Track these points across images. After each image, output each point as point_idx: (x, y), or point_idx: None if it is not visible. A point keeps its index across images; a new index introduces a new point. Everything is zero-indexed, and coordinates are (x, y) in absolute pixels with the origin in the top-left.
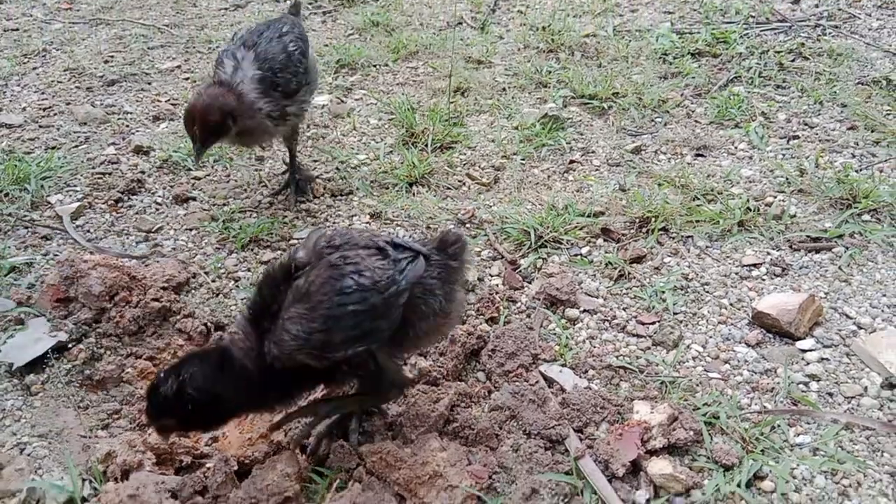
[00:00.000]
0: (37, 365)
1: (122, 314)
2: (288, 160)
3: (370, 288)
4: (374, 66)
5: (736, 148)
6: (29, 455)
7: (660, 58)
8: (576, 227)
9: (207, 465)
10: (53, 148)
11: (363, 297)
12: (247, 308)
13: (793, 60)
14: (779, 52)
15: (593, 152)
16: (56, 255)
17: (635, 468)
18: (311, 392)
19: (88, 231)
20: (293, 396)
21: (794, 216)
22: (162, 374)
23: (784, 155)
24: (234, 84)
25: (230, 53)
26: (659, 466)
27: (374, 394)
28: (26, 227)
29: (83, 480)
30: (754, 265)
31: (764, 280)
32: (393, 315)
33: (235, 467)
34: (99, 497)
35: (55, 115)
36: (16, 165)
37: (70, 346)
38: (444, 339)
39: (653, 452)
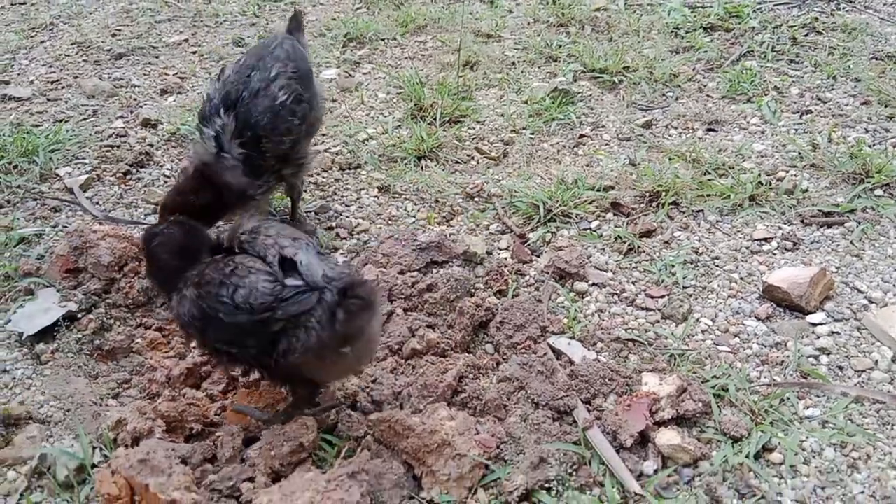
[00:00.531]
0: (47, 334)
1: (132, 285)
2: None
3: (240, 306)
4: (383, 39)
5: (748, 122)
6: (40, 423)
7: (671, 32)
8: (585, 201)
9: (217, 434)
10: (62, 121)
11: (231, 312)
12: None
13: (806, 35)
14: (792, 27)
15: (603, 127)
16: (65, 226)
17: (643, 439)
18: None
19: (97, 203)
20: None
21: (807, 191)
22: None
23: (797, 130)
24: (219, 169)
25: (213, 110)
26: (667, 437)
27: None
28: (35, 199)
29: (94, 448)
30: (765, 239)
31: (775, 254)
32: (262, 337)
33: (242, 437)
34: (109, 462)
35: (63, 88)
36: (24, 138)
37: (80, 316)
38: (340, 376)
39: (661, 423)
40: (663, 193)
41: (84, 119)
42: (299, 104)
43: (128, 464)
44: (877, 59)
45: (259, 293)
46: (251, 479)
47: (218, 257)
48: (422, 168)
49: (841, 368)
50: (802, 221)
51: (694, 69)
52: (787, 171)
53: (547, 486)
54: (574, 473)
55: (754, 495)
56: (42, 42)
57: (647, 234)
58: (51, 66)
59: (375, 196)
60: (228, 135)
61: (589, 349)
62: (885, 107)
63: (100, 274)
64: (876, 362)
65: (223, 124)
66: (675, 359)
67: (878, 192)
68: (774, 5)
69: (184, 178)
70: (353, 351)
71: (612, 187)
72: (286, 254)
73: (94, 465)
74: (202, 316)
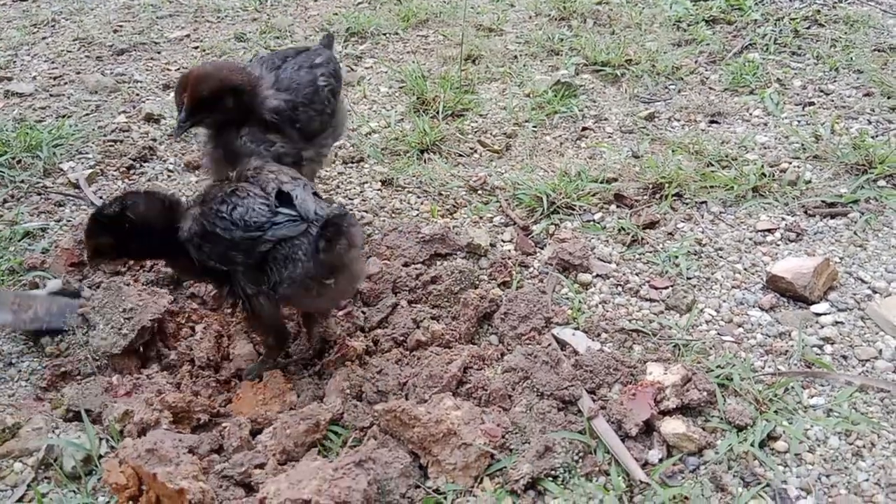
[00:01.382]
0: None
1: (136, 278)
2: None
3: (235, 221)
4: (384, 34)
5: (751, 115)
6: (46, 414)
7: (674, 25)
8: (588, 193)
9: (224, 425)
10: (64, 116)
11: (226, 227)
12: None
13: (808, 27)
14: (794, 19)
15: (606, 119)
16: (69, 220)
17: (648, 428)
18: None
19: (101, 198)
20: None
21: (810, 182)
22: (106, 202)
23: (799, 121)
24: (252, 75)
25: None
26: (672, 426)
27: (261, 339)
28: (39, 194)
29: (100, 439)
30: (769, 230)
31: (778, 245)
32: (252, 254)
33: (249, 428)
34: (116, 452)
35: (65, 83)
36: (27, 133)
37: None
38: (326, 309)
39: (666, 413)
40: (666, 185)
41: (87, 114)
42: (334, 96)
43: (135, 453)
44: (879, 50)
45: (254, 213)
46: (262, 466)
47: (223, 182)
48: (425, 161)
49: (845, 358)
50: (806, 212)
51: (696, 62)
52: (791, 163)
53: (552, 474)
54: (580, 462)
55: (759, 483)
56: (44, 38)
57: (651, 225)
58: (53, 62)
59: (379, 189)
60: (266, 83)
61: (593, 340)
62: (888, 98)
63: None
64: (880, 351)
65: (260, 75)
66: (679, 349)
67: (882, 182)
68: None
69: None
70: (337, 283)
71: (615, 179)
72: (284, 189)
73: (100, 456)
74: (202, 233)
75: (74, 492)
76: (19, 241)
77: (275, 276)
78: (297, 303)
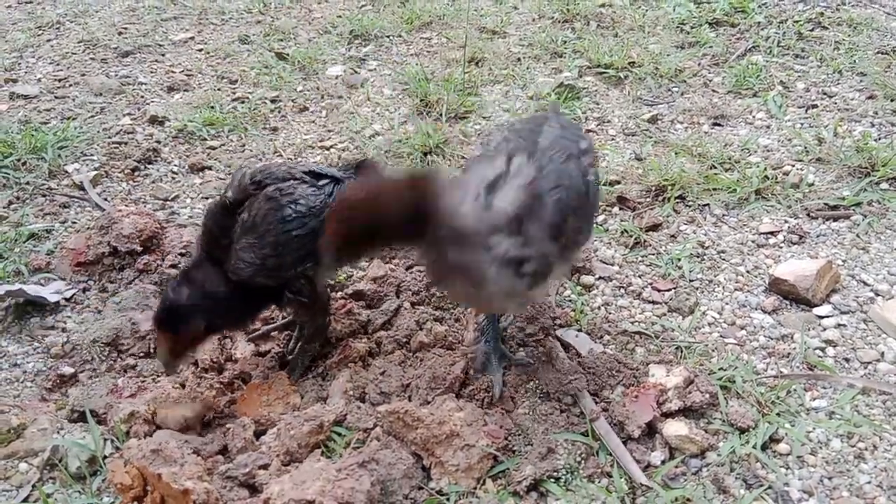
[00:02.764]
0: (57, 328)
1: (141, 279)
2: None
3: (307, 214)
4: (388, 36)
5: (754, 117)
6: (51, 415)
7: (677, 27)
8: None
9: (228, 426)
10: (69, 118)
11: (303, 223)
12: (198, 244)
13: (812, 30)
14: (798, 22)
15: (609, 122)
16: (74, 222)
17: (651, 430)
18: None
19: (106, 199)
20: (251, 314)
21: (812, 184)
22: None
23: (802, 124)
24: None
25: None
26: (674, 428)
27: (310, 321)
28: (44, 196)
29: (105, 440)
30: (771, 233)
31: (781, 248)
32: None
33: (253, 429)
34: (121, 453)
35: (70, 85)
36: (32, 135)
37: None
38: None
39: (668, 414)
40: (669, 187)
41: (92, 116)
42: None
43: (140, 454)
44: (882, 53)
45: (312, 197)
46: (265, 467)
47: (244, 207)
48: (428, 164)
49: (847, 360)
50: (808, 215)
51: (699, 64)
52: (793, 165)
53: (555, 476)
54: (582, 464)
55: (761, 485)
56: (49, 40)
57: (654, 227)
58: (58, 64)
59: None
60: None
61: (596, 341)
62: (891, 101)
63: (121, 245)
64: (882, 354)
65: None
66: (681, 351)
67: (884, 185)
68: (780, 0)
69: None
70: None
71: (618, 182)
72: (308, 167)
73: (105, 457)
74: (273, 249)
75: (79, 492)
76: (24, 242)
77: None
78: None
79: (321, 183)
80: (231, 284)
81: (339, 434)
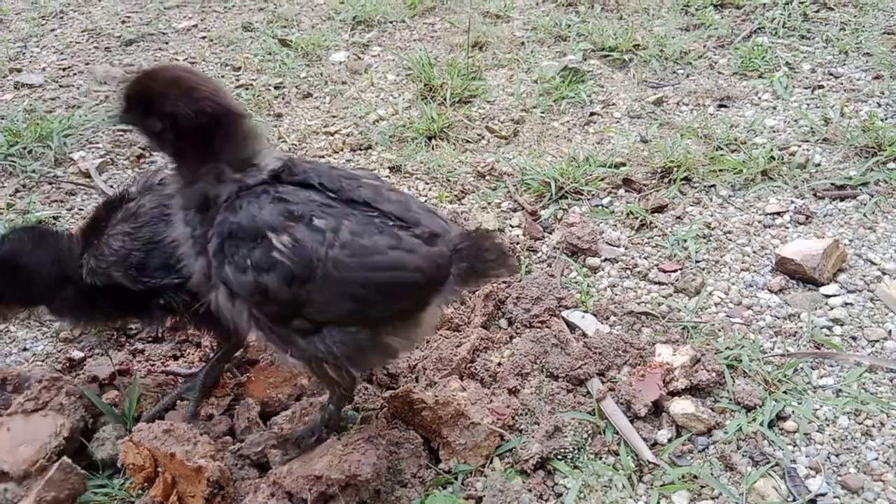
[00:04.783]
0: None
1: None
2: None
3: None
4: (391, 22)
5: (760, 98)
6: None
7: (682, 9)
8: (597, 177)
9: (236, 408)
10: (74, 107)
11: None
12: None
13: (817, 11)
14: (803, 3)
15: (614, 104)
16: (81, 209)
17: (657, 409)
18: (118, 323)
19: (112, 186)
20: (94, 319)
21: (819, 165)
22: None
23: (809, 105)
24: None
25: None
26: (681, 406)
27: (220, 340)
28: (50, 183)
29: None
30: (778, 213)
31: (787, 228)
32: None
33: (258, 410)
34: (131, 436)
35: (74, 74)
36: (38, 124)
37: None
38: None
39: (675, 393)
40: (675, 169)
41: (97, 104)
42: None
43: (152, 435)
44: (888, 33)
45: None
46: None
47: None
48: (432, 148)
49: (854, 339)
50: (815, 195)
51: (705, 46)
52: (800, 146)
53: (562, 454)
54: (589, 442)
55: (768, 462)
56: (52, 30)
57: (659, 209)
58: (62, 54)
59: (387, 176)
60: None
61: (602, 322)
62: None
63: None
64: (889, 332)
65: None
66: (688, 331)
67: (891, 164)
68: None
69: None
70: None
71: (624, 164)
72: None
73: (118, 438)
74: (143, 245)
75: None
76: None
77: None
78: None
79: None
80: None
81: (347, 415)
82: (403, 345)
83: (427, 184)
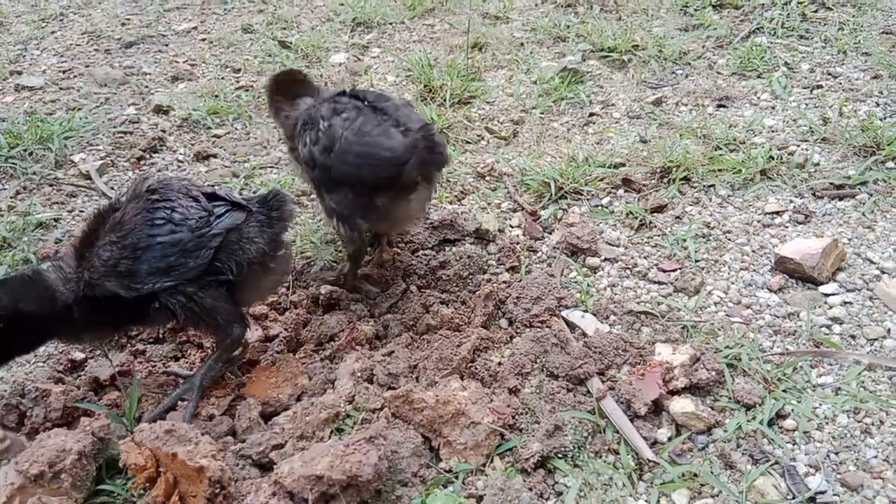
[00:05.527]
0: None
1: None
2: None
3: (180, 223)
4: (391, 23)
5: (758, 98)
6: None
7: (680, 10)
8: (596, 178)
9: (237, 407)
10: (75, 109)
11: (171, 231)
12: (81, 232)
13: (816, 11)
14: (801, 3)
15: (613, 105)
16: (82, 211)
17: (657, 407)
18: (125, 331)
19: (112, 188)
20: (103, 331)
21: (818, 164)
22: None
23: (807, 104)
24: None
25: None
26: (681, 405)
27: (217, 339)
28: (51, 185)
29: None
30: (777, 213)
31: (787, 227)
32: (202, 255)
33: (259, 409)
34: (133, 436)
35: (75, 77)
36: (38, 126)
37: None
38: (270, 293)
39: (675, 392)
40: (674, 169)
41: (97, 106)
42: None
43: (153, 435)
44: (887, 33)
45: (194, 211)
46: (279, 447)
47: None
48: None
49: (853, 337)
50: (814, 194)
51: (703, 46)
52: (799, 146)
53: (562, 452)
54: (589, 441)
55: (768, 461)
56: (53, 32)
57: (659, 209)
58: (62, 56)
59: None
60: None
61: (602, 322)
62: None
63: None
64: (888, 331)
65: None
66: (687, 330)
67: (890, 164)
68: None
69: None
70: (279, 259)
71: (623, 164)
72: (209, 190)
73: (120, 437)
74: (132, 252)
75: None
76: (32, 231)
77: (233, 267)
78: (246, 293)
79: (215, 204)
80: (79, 287)
81: (348, 415)
82: (390, 210)
83: None
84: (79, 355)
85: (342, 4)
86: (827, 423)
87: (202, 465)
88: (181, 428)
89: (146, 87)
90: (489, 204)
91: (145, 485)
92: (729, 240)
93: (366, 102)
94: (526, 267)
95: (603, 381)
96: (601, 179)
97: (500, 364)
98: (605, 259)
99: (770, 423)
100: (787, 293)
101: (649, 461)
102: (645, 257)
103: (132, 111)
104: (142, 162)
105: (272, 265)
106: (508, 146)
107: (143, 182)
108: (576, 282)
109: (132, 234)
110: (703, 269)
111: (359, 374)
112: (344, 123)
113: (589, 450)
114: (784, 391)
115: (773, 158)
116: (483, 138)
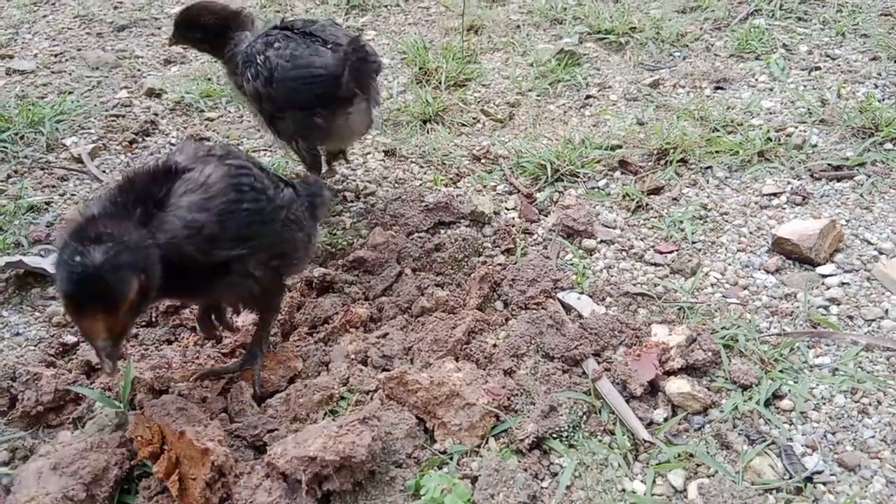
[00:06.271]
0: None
1: None
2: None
3: (262, 191)
4: (386, 6)
5: (756, 80)
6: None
7: None
8: (593, 160)
9: (230, 391)
10: (66, 92)
11: (256, 198)
12: (108, 201)
13: None
14: None
15: (610, 87)
16: (73, 195)
17: (653, 388)
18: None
19: (105, 171)
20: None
21: (816, 146)
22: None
23: (805, 86)
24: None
25: None
26: (677, 385)
27: (264, 314)
28: (42, 169)
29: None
30: (774, 194)
31: (784, 208)
32: (274, 226)
33: (250, 392)
34: (143, 410)
35: (67, 60)
36: (30, 109)
37: None
38: (300, 271)
39: (671, 373)
40: (671, 151)
41: (89, 90)
42: None
43: (164, 411)
44: (885, 14)
45: (267, 181)
46: (273, 430)
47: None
48: (427, 131)
49: (851, 318)
50: (812, 176)
51: (701, 28)
52: (797, 127)
53: (558, 433)
54: (585, 421)
55: (764, 441)
56: (44, 16)
57: (655, 191)
58: (54, 40)
59: (382, 160)
60: None
61: (598, 303)
62: (894, 62)
63: None
64: (886, 311)
65: None
66: (684, 311)
67: (888, 145)
68: None
69: None
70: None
71: (620, 146)
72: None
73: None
74: (218, 215)
75: None
76: (24, 214)
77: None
78: (290, 268)
79: (273, 179)
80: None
81: (342, 397)
82: (331, 126)
83: (422, 167)
84: (70, 339)
85: None
86: (824, 404)
87: (208, 447)
88: (192, 408)
89: (138, 70)
90: (485, 186)
91: (148, 459)
92: (726, 221)
93: (294, 30)
94: (522, 249)
95: (599, 363)
96: (598, 161)
97: (495, 346)
98: (602, 241)
99: (767, 404)
100: (784, 274)
101: (645, 442)
102: (641, 239)
103: (124, 94)
104: (134, 145)
105: (311, 249)
106: (504, 129)
107: (200, 148)
108: (572, 264)
109: (218, 197)
110: (699, 250)
111: (353, 357)
112: (277, 52)
113: (584, 431)
114: (781, 372)
115: (770, 140)
116: (479, 121)
